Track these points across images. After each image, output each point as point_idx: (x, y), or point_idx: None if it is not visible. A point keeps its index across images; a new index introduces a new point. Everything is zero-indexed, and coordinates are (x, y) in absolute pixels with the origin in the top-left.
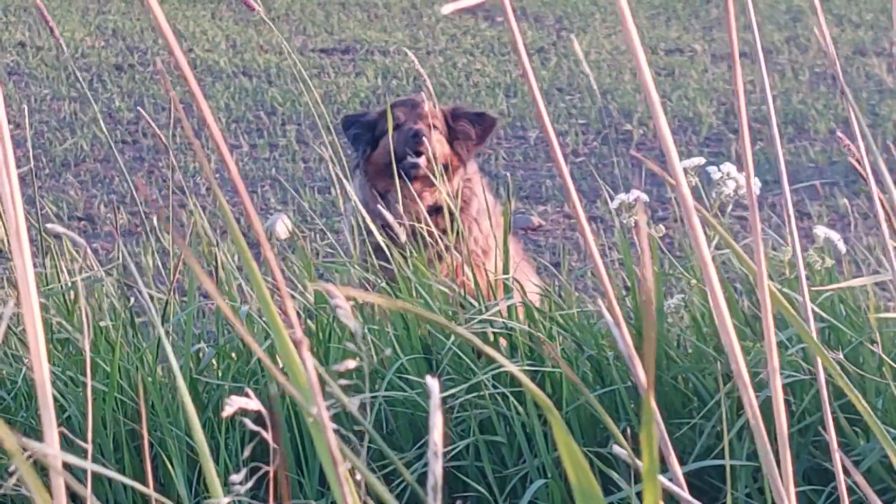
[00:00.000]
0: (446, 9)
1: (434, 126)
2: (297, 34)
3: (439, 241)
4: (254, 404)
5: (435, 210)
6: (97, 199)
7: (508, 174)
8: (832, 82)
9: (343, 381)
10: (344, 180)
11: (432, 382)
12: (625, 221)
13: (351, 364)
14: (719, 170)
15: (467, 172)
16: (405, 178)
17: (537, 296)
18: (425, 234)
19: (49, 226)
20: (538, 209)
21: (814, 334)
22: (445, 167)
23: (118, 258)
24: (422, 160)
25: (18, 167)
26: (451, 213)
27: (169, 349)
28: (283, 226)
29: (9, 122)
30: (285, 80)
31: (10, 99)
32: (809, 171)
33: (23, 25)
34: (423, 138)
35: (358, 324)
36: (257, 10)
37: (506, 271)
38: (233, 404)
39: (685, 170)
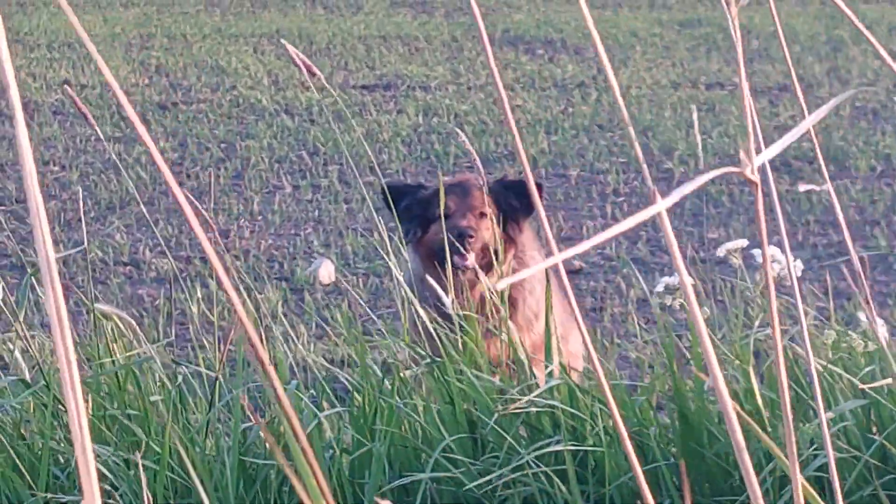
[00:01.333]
0: (502, 284)
1: (483, 214)
2: (338, 69)
3: (490, 320)
4: None
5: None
6: (142, 243)
7: (549, 215)
8: (873, 117)
9: None
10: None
11: None
12: (669, 304)
13: None
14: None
15: (522, 243)
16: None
17: (580, 360)
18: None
19: (98, 306)
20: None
21: (824, 424)
22: (496, 252)
23: (163, 305)
24: (469, 261)
25: (65, 210)
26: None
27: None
28: (326, 271)
29: (54, 164)
30: (327, 118)
31: (56, 140)
32: (850, 210)
33: (66, 62)
34: (470, 238)
35: None
36: (319, 76)
37: (548, 353)
38: None
39: (728, 251)
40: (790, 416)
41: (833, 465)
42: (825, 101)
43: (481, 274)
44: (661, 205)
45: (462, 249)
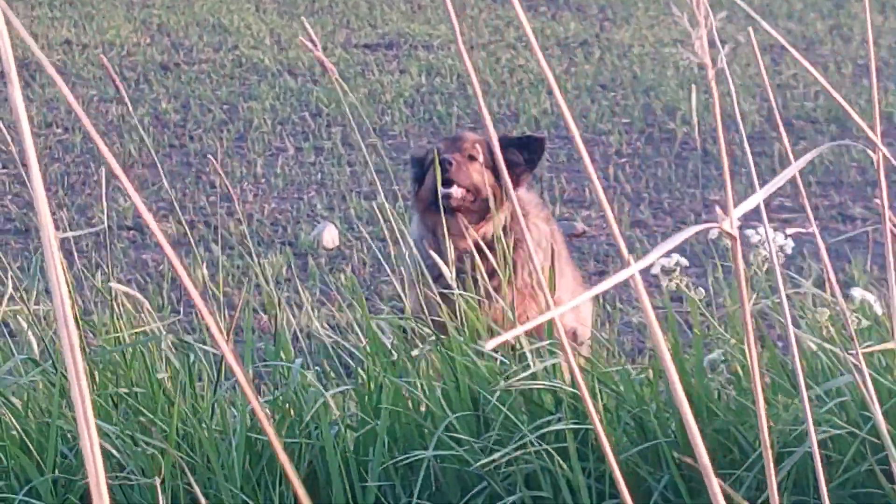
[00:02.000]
0: (490, 345)
1: (472, 157)
2: (340, 27)
3: (486, 278)
4: None
5: (485, 246)
6: (145, 206)
7: (552, 176)
8: (876, 76)
9: None
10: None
11: None
12: (666, 286)
13: None
14: (757, 233)
15: (522, 205)
16: (449, 213)
17: (589, 327)
18: (479, 271)
19: (113, 285)
20: (582, 214)
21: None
22: (491, 199)
23: (168, 271)
24: (453, 189)
25: (68, 173)
26: (502, 249)
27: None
28: (329, 235)
29: (57, 126)
30: (330, 78)
31: (59, 101)
32: (852, 170)
33: (68, 21)
34: (450, 166)
35: None
36: (332, 71)
37: (549, 330)
38: None
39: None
40: (762, 404)
41: (815, 443)
42: (827, 58)
43: (469, 229)
44: (635, 267)
45: (444, 177)
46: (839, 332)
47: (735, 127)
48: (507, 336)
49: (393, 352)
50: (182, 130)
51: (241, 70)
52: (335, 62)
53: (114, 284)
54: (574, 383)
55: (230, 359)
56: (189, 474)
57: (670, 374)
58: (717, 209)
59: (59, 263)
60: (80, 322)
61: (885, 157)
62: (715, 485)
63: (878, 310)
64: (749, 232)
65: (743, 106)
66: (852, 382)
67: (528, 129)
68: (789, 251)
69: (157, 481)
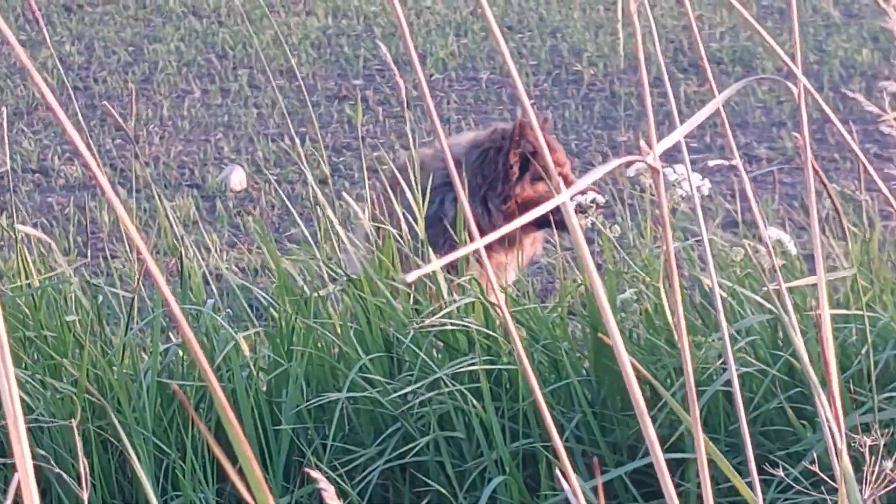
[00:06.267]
0: (411, 276)
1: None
2: None
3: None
4: None
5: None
6: (50, 150)
7: (460, 118)
8: (779, 17)
9: None
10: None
11: None
12: (582, 224)
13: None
14: (675, 171)
15: None
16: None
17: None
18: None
19: (19, 227)
20: None
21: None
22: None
23: (73, 214)
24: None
25: None
26: None
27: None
28: (237, 177)
29: None
30: (235, 20)
31: None
32: (757, 111)
33: None
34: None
35: None
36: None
37: (460, 269)
38: None
39: (638, 171)
40: (686, 340)
41: (735, 378)
42: None
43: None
44: (566, 195)
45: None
46: (749, 272)
47: (645, 68)
48: (426, 269)
49: (303, 292)
50: (86, 73)
51: (145, 12)
52: (241, 3)
53: (20, 227)
54: (487, 323)
55: (172, 302)
56: (112, 415)
57: (599, 298)
58: (642, 143)
59: None
60: None
61: (796, 96)
62: (630, 372)
63: (792, 249)
64: (667, 171)
65: (649, 48)
66: (762, 322)
67: (436, 71)
68: (706, 192)
69: (74, 423)
